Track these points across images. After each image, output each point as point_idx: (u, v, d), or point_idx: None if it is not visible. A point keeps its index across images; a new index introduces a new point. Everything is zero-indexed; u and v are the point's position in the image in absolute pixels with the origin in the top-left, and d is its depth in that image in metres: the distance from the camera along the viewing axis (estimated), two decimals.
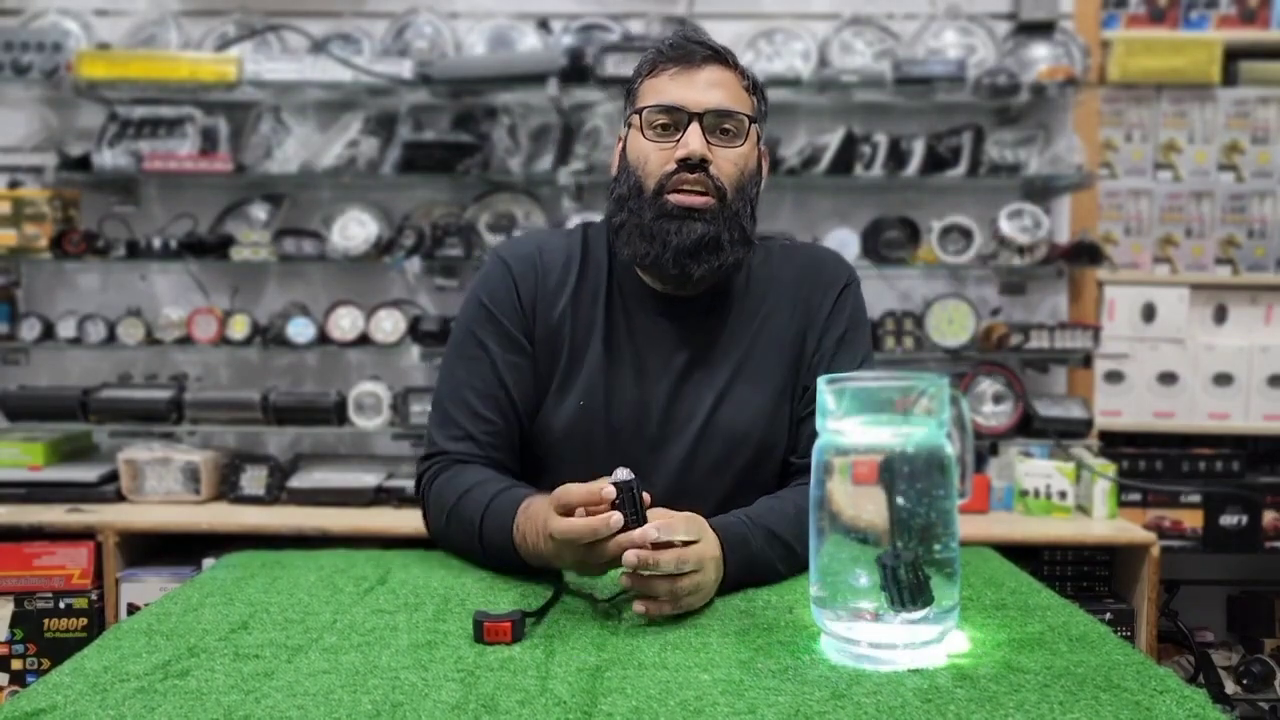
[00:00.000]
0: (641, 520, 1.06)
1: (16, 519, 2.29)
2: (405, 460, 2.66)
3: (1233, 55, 2.77)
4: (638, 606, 1.07)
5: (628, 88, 1.42)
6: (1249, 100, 2.78)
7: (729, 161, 1.33)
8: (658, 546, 1.05)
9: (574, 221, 2.51)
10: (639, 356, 1.38)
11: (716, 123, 1.32)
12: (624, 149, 1.39)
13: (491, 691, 0.87)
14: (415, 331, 2.55)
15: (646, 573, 1.05)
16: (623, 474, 1.07)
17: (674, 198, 1.31)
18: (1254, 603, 2.70)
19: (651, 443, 1.37)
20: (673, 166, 1.31)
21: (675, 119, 1.32)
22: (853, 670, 0.92)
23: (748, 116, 1.34)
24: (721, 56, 1.35)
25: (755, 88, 1.38)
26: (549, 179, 2.58)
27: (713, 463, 1.36)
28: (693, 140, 1.30)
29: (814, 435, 0.99)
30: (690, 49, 1.34)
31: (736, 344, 1.40)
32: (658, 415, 1.37)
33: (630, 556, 1.04)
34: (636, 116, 1.35)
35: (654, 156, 1.32)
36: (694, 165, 1.30)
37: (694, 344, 1.39)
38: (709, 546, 1.12)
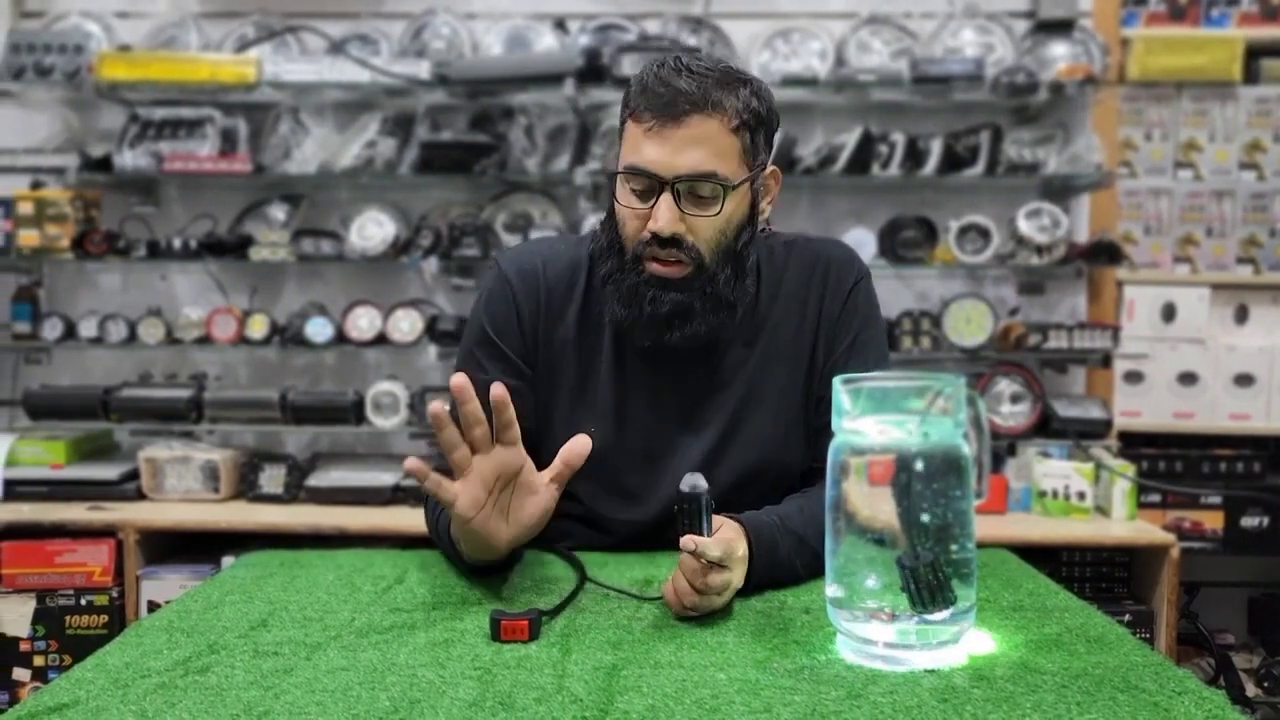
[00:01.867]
0: (707, 534, 1.06)
1: (38, 517, 2.31)
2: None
3: (1254, 53, 2.75)
4: (665, 589, 1.10)
5: (622, 114, 1.34)
6: (1271, 98, 2.75)
7: (705, 228, 1.26)
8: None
9: (590, 222, 2.52)
10: (651, 380, 1.35)
11: (691, 188, 1.25)
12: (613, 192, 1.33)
13: (508, 689, 0.87)
14: (433, 331, 2.56)
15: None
16: (690, 483, 1.06)
17: (651, 266, 1.27)
18: (1275, 605, 2.68)
19: (664, 468, 1.34)
20: (647, 236, 1.26)
21: (648, 185, 1.26)
22: (869, 670, 0.92)
23: (723, 184, 1.24)
24: (707, 103, 1.23)
25: (756, 119, 1.27)
26: (565, 179, 2.58)
27: (727, 487, 1.34)
28: (662, 216, 1.23)
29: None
30: (674, 98, 1.22)
31: (746, 361, 1.37)
32: (670, 441, 1.34)
33: (684, 552, 1.05)
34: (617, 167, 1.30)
35: (630, 224, 1.28)
36: (665, 240, 1.25)
37: (704, 363, 1.36)
38: (734, 575, 1.11)
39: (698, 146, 1.23)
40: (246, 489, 2.50)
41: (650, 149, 1.24)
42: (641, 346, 1.34)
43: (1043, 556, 2.21)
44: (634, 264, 1.29)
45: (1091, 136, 2.61)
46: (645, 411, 1.35)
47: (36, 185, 2.67)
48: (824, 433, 1.35)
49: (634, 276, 1.29)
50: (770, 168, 1.35)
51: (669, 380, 1.35)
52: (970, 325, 2.55)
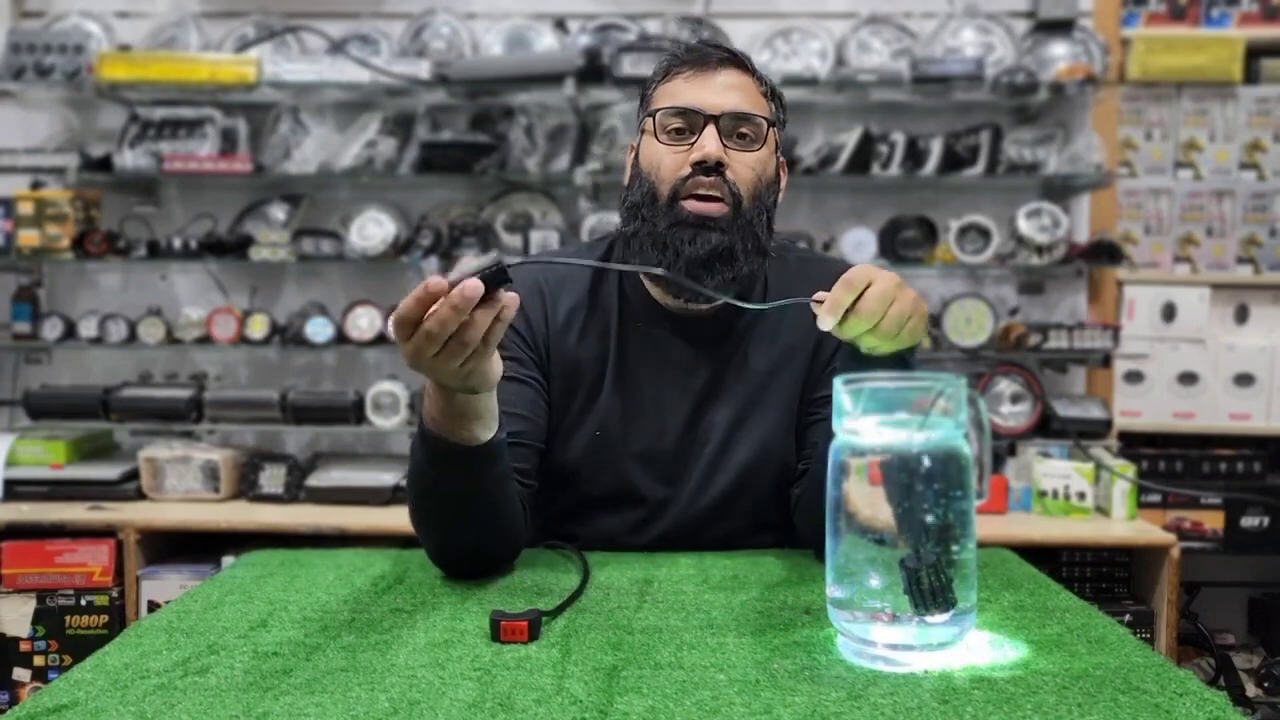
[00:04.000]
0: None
1: (39, 516, 2.31)
2: None
3: (1255, 53, 2.75)
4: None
5: (642, 94, 1.38)
6: (1271, 98, 2.75)
7: (746, 166, 1.28)
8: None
9: (590, 221, 2.52)
10: (655, 381, 1.34)
11: (733, 126, 1.28)
12: (636, 156, 1.35)
13: (508, 690, 0.87)
14: None
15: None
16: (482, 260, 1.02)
17: (689, 204, 1.26)
18: (1276, 605, 2.68)
19: (668, 470, 1.34)
20: (687, 170, 1.26)
21: (690, 122, 1.28)
22: (869, 671, 0.91)
23: (766, 119, 1.29)
24: (739, 60, 1.31)
25: (773, 94, 1.34)
26: (565, 179, 2.58)
27: (729, 490, 1.33)
28: (709, 142, 1.25)
29: (824, 438, 0.98)
30: (706, 52, 1.31)
31: (752, 366, 1.36)
32: (673, 442, 1.34)
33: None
34: (650, 120, 1.31)
35: (668, 160, 1.28)
36: (709, 168, 1.25)
37: (709, 366, 1.35)
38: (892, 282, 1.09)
39: (736, 91, 1.30)
40: (246, 489, 2.50)
41: (691, 91, 1.29)
42: (646, 344, 1.33)
43: (1043, 556, 2.21)
44: (669, 206, 1.28)
45: (1091, 136, 2.61)
46: (651, 414, 1.34)
47: (36, 185, 2.67)
48: (807, 431, 1.35)
49: (669, 218, 1.27)
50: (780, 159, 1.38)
51: (674, 383, 1.35)
52: (970, 325, 2.55)
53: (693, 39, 2.65)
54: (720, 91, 1.28)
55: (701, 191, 1.27)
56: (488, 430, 1.11)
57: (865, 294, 1.07)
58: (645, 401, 1.34)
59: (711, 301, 1.32)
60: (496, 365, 1.05)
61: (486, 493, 1.17)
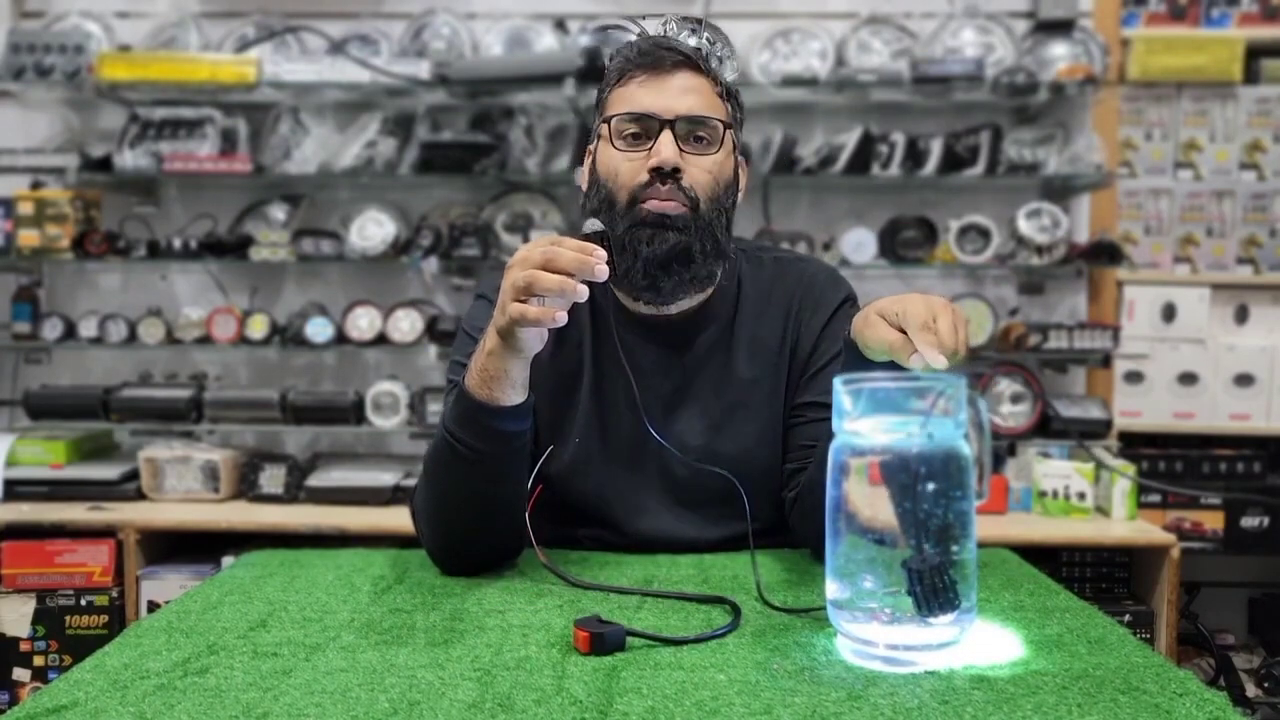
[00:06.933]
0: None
1: (39, 517, 2.31)
2: (422, 459, 2.67)
3: (1255, 53, 2.75)
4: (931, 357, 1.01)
5: (598, 98, 1.37)
6: (1271, 98, 2.75)
7: (702, 170, 1.28)
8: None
9: (590, 221, 2.51)
10: (630, 387, 1.31)
11: (689, 130, 1.27)
12: (594, 162, 1.34)
13: (508, 691, 0.87)
14: (432, 331, 2.56)
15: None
16: (596, 224, 1.21)
17: (648, 205, 1.26)
18: (1276, 605, 2.68)
19: (649, 475, 1.34)
20: (645, 177, 1.26)
21: (646, 127, 1.27)
22: (869, 671, 0.91)
23: (722, 122, 1.28)
24: (693, 61, 1.29)
25: (729, 93, 1.33)
26: (565, 179, 2.58)
27: (712, 494, 1.32)
28: (665, 149, 1.25)
29: (810, 441, 0.97)
30: (660, 55, 1.29)
31: (727, 367, 1.36)
32: (653, 448, 1.33)
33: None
34: (605, 126, 1.30)
35: (624, 167, 1.27)
36: (666, 175, 1.25)
37: (683, 370, 1.35)
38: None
39: (692, 94, 1.29)
40: (246, 489, 2.50)
41: (645, 96, 1.28)
42: (620, 351, 1.30)
43: (1043, 556, 2.21)
44: (627, 209, 1.27)
45: (1091, 136, 2.61)
46: (628, 419, 1.34)
47: (36, 185, 2.67)
48: (789, 434, 1.36)
49: (628, 221, 1.27)
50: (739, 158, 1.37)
51: (651, 394, 1.34)
52: (970, 325, 2.54)
53: (695, 41, 2.65)
54: (676, 95, 1.27)
55: (660, 195, 1.26)
56: (520, 396, 1.20)
57: (939, 327, 1.02)
58: (622, 407, 1.34)
59: (669, 300, 1.32)
60: (538, 343, 1.16)
61: (507, 461, 1.21)
